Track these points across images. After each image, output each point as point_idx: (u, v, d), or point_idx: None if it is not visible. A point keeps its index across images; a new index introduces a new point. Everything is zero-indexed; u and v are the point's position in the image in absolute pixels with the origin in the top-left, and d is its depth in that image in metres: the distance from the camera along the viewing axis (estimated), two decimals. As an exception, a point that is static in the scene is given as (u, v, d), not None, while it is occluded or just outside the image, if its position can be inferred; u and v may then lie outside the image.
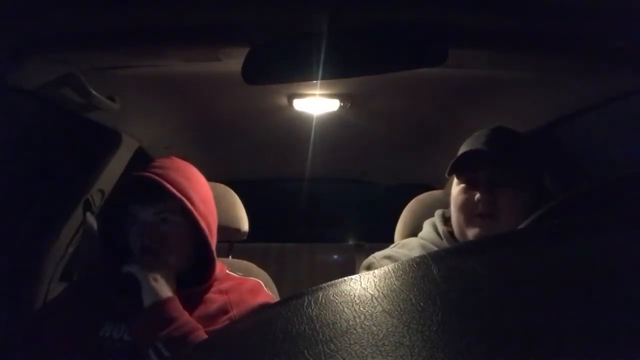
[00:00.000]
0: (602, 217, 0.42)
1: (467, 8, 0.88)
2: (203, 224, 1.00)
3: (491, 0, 0.87)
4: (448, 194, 1.12)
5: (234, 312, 1.00)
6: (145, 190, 0.98)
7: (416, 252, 1.04)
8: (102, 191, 1.62)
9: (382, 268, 0.37)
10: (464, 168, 1.02)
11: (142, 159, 1.78)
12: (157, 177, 0.98)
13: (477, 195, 0.98)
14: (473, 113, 1.62)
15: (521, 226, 0.50)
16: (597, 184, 0.61)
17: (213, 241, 1.06)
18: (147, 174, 0.99)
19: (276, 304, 0.37)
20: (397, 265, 0.37)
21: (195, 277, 1.03)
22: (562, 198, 0.51)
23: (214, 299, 1.02)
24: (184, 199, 0.98)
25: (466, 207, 1.00)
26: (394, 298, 0.32)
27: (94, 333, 0.93)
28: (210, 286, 1.05)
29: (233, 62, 0.97)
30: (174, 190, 0.97)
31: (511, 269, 0.36)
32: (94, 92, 1.21)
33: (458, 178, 1.05)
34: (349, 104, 1.59)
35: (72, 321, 0.95)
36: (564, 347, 0.26)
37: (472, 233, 0.98)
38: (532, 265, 0.36)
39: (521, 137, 1.09)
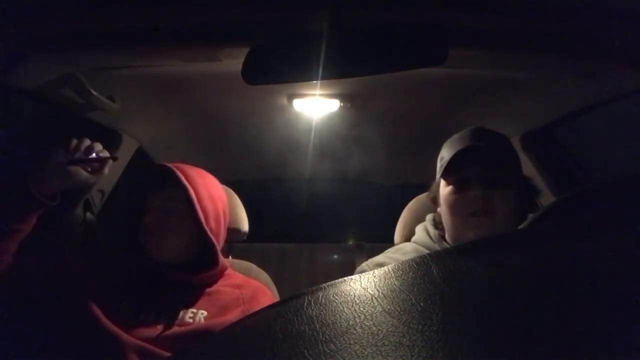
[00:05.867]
0: (602, 217, 0.42)
1: (467, 8, 0.88)
2: (200, 213, 1.05)
3: (491, 0, 0.87)
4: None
5: (246, 307, 1.06)
6: (161, 180, 1.06)
7: (410, 257, 1.04)
8: (102, 191, 1.62)
9: (382, 268, 0.37)
10: (454, 168, 1.01)
11: (142, 159, 1.78)
12: (169, 165, 1.06)
13: (471, 194, 0.96)
14: (473, 113, 1.62)
15: (521, 226, 0.50)
16: (597, 184, 0.61)
17: (219, 241, 1.12)
18: (162, 163, 1.07)
19: (276, 304, 0.37)
20: (397, 265, 0.37)
21: (203, 266, 1.09)
22: (561, 198, 0.51)
23: (228, 291, 1.08)
24: (189, 187, 1.04)
25: (460, 207, 0.98)
26: (394, 298, 0.32)
27: (116, 309, 0.96)
28: (220, 278, 1.11)
29: (233, 62, 0.97)
30: (182, 178, 1.04)
31: (511, 269, 0.36)
32: (94, 92, 1.21)
33: (447, 179, 1.03)
34: (349, 104, 1.59)
35: (95, 296, 0.98)
36: (564, 347, 0.26)
37: (470, 232, 0.97)
38: (532, 265, 0.36)
39: (502, 136, 1.09)
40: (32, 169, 0.94)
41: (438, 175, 1.06)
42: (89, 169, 1.00)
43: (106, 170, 1.02)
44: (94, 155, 0.99)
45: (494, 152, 1.00)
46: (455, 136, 1.08)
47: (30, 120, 1.37)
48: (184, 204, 1.05)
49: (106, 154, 1.02)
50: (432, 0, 0.87)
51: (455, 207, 0.99)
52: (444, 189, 1.04)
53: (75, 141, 0.98)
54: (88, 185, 1.03)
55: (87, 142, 0.99)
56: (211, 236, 1.07)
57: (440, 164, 1.07)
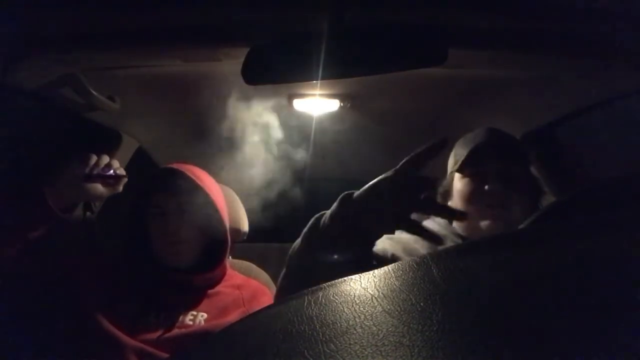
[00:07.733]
0: (602, 217, 0.42)
1: (467, 8, 0.88)
2: (224, 214, 1.08)
3: (491, 0, 0.87)
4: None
5: (246, 307, 1.06)
6: (170, 183, 1.05)
7: (412, 240, 1.04)
8: (102, 191, 1.62)
9: (382, 268, 0.37)
10: (471, 162, 1.03)
11: (142, 159, 1.78)
12: (181, 168, 1.06)
13: (486, 187, 0.99)
14: (473, 113, 1.61)
15: (521, 226, 0.50)
16: (597, 184, 0.61)
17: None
18: (176, 168, 1.06)
19: (276, 304, 0.37)
20: (397, 265, 0.37)
21: (203, 267, 1.09)
22: (562, 199, 0.51)
23: (228, 292, 1.08)
24: (209, 191, 1.06)
25: (476, 198, 1.01)
26: (394, 298, 0.32)
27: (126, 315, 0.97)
28: (222, 279, 1.11)
29: (233, 62, 0.97)
30: (200, 182, 1.05)
31: (511, 269, 0.36)
32: (94, 92, 1.21)
33: (463, 173, 1.06)
34: (349, 104, 1.59)
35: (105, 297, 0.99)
36: (564, 347, 0.26)
37: (483, 224, 0.98)
38: (532, 265, 0.36)
39: (513, 137, 1.12)
40: (49, 181, 0.95)
41: (453, 169, 1.08)
42: (104, 185, 1.01)
43: (120, 187, 1.03)
44: (111, 172, 1.00)
45: (510, 150, 1.03)
46: (469, 135, 1.10)
47: (30, 120, 1.37)
48: (202, 208, 1.05)
49: (122, 172, 1.03)
50: (432, 0, 0.87)
51: (471, 197, 1.02)
52: (458, 182, 1.06)
53: (94, 157, 0.98)
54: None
55: (106, 158, 1.00)
56: (229, 240, 1.09)
57: (454, 159, 1.10)
